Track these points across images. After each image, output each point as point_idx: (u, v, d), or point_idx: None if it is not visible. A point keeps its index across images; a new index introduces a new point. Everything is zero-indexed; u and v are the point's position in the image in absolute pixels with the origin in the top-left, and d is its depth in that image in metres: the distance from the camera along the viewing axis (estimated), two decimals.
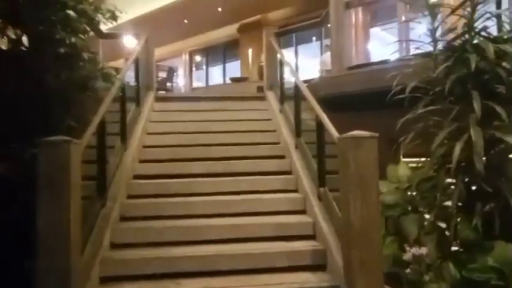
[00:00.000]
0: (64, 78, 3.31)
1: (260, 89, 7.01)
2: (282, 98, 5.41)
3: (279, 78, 5.47)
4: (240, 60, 12.86)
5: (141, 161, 4.52)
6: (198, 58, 15.20)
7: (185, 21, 12.19)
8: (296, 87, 4.53)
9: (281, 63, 5.45)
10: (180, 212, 3.68)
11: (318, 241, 3.37)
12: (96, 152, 3.41)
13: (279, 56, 5.65)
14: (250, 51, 11.93)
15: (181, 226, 3.43)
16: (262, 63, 10.72)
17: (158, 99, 6.10)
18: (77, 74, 3.50)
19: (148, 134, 5.08)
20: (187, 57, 15.04)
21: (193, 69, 15.19)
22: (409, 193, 3.66)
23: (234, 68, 13.34)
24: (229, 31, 12.87)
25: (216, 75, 14.54)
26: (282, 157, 4.66)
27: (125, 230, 3.38)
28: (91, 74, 3.70)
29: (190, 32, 13.29)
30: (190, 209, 3.70)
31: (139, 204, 3.75)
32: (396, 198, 3.53)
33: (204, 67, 14.84)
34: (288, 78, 5.69)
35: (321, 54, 9.73)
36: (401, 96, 3.49)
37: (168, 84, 8.80)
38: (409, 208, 3.49)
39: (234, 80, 10.47)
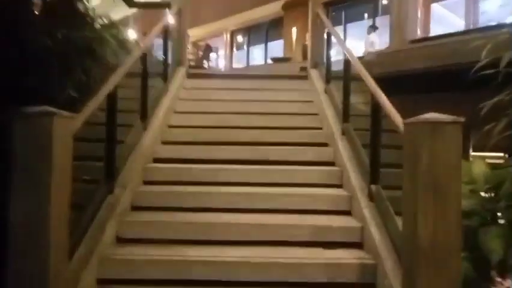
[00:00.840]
0: (61, 38, 2.77)
1: (303, 69, 6.27)
2: (328, 77, 4.66)
3: (325, 54, 4.70)
4: (283, 41, 12.07)
5: (164, 143, 4.01)
6: (239, 38, 14.57)
7: None
8: (346, 63, 3.77)
9: (329, 37, 4.68)
10: (201, 203, 3.12)
11: (367, 252, 2.68)
12: (105, 129, 2.89)
13: (326, 28, 4.87)
14: (294, 30, 11.10)
15: (200, 222, 2.86)
16: (307, 43, 9.98)
17: (191, 75, 5.55)
18: (79, 33, 2.94)
19: (176, 112, 4.57)
20: (228, 37, 14.45)
21: (234, 49, 14.59)
22: (488, 197, 2.86)
23: (277, 49, 12.56)
24: (273, 8, 12.08)
25: (258, 56, 13.85)
26: (324, 145, 3.96)
27: (133, 223, 2.87)
28: (99, 36, 3.14)
29: (232, 9, 12.65)
30: (213, 201, 3.13)
31: (155, 192, 3.22)
32: (473, 204, 2.74)
33: (245, 47, 14.18)
34: (336, 56, 4.94)
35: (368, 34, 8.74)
36: (485, 72, 2.67)
37: (205, 62, 8.27)
38: (489, 218, 2.71)
39: (276, 60, 9.74)
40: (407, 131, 2.13)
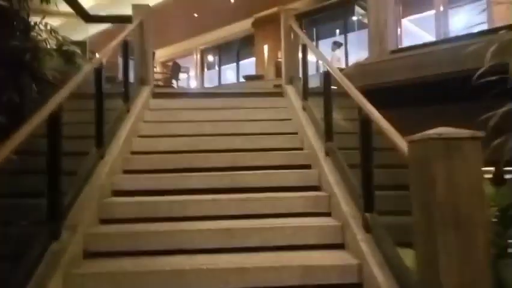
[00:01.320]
0: None
1: (278, 86, 5.95)
2: (306, 93, 4.33)
3: (301, 69, 4.38)
4: (255, 59, 11.83)
5: (125, 172, 3.50)
6: (210, 57, 14.26)
7: (195, 14, 11.24)
8: (326, 75, 3.44)
9: (304, 49, 4.37)
10: (168, 245, 2.62)
11: None
12: (46, 159, 2.38)
13: (301, 40, 4.57)
14: (266, 47, 10.89)
15: (167, 270, 2.36)
16: (279, 59, 9.73)
17: (157, 95, 5.08)
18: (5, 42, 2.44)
19: (140, 136, 4.08)
20: (199, 56, 14.11)
21: (205, 69, 14.24)
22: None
23: (249, 68, 12.31)
24: (242, 26, 11.88)
25: (229, 75, 13.55)
26: (307, 167, 3.58)
27: (85, 277, 2.33)
28: (35, 46, 2.65)
29: (201, 28, 12.36)
30: (183, 241, 2.64)
31: (113, 233, 2.69)
32: None
33: (217, 67, 13.86)
34: (312, 70, 4.62)
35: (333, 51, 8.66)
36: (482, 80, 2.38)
37: (173, 82, 7.83)
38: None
39: (248, 78, 9.43)
40: (413, 150, 1.76)
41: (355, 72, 4.26)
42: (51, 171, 2.38)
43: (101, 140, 3.26)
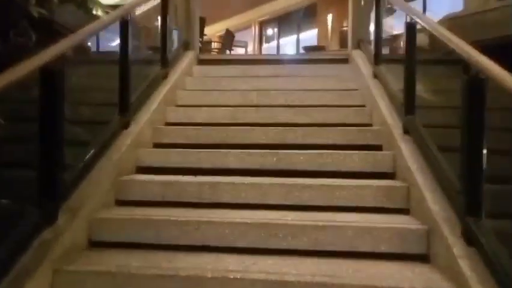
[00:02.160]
0: None
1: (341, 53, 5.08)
2: (378, 57, 3.46)
3: (373, 27, 3.49)
4: (317, 30, 10.82)
5: (155, 145, 2.99)
6: (268, 30, 13.45)
7: None
8: (410, 29, 2.57)
9: (378, 2, 3.46)
10: (188, 239, 2.04)
11: None
12: (39, 127, 1.88)
13: None
14: (329, 17, 9.84)
15: (179, 276, 1.77)
16: (345, 28, 8.71)
17: (202, 61, 4.51)
18: None
19: (177, 106, 3.55)
20: (257, 29, 13.37)
21: (263, 43, 13.49)
22: None
23: (310, 40, 11.34)
24: None
25: (289, 49, 12.67)
26: (377, 148, 2.79)
27: (76, 276, 1.81)
28: None
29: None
30: (207, 236, 2.04)
31: (124, 220, 2.16)
32: None
33: (275, 40, 13.04)
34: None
35: None
36: None
37: (227, 52, 7.25)
38: None
39: (309, 49, 8.55)
40: None
41: (447, 28, 3.29)
42: (45, 138, 1.88)
43: (125, 106, 2.74)
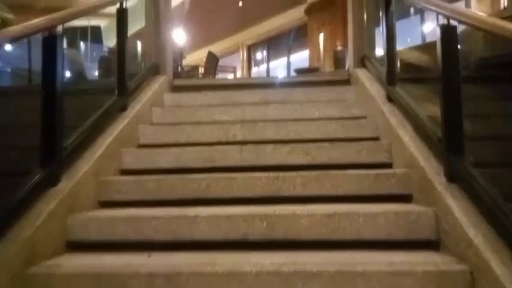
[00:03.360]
0: None
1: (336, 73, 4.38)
2: (393, 76, 2.72)
3: (384, 39, 2.76)
4: (308, 52, 10.25)
5: (103, 205, 2.19)
6: (257, 54, 12.90)
7: (240, 3, 9.92)
8: (446, 32, 1.83)
9: (388, 4, 2.74)
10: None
11: None
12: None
13: None
14: (321, 36, 9.27)
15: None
16: (339, 48, 8.10)
17: (176, 88, 3.76)
18: None
19: (139, 146, 2.77)
20: (245, 53, 12.81)
21: (253, 67, 12.90)
22: None
23: (301, 62, 10.77)
24: (293, 15, 10.38)
25: (280, 72, 12.10)
26: (404, 199, 2.01)
27: None
28: None
29: (247, 20, 11.05)
30: None
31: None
32: None
33: (265, 64, 12.46)
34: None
35: None
36: None
37: (210, 77, 6.55)
38: None
39: (300, 72, 7.89)
40: None
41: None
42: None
43: (50, 154, 1.94)
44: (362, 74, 3.34)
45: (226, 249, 1.79)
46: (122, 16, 2.85)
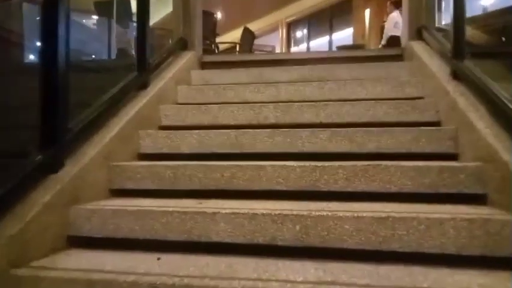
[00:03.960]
0: None
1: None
2: (461, 49, 2.20)
3: (452, 3, 2.24)
4: (352, 29, 9.56)
5: (114, 193, 1.93)
6: (297, 32, 12.30)
7: None
8: None
9: None
10: None
11: None
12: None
13: None
14: (367, 12, 8.57)
15: None
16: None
17: (206, 64, 3.45)
18: None
19: (159, 128, 2.50)
20: (285, 31, 12.24)
21: (292, 45, 12.33)
22: None
23: (343, 40, 10.11)
24: None
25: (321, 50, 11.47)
26: (478, 199, 1.59)
27: None
28: None
29: None
30: None
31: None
32: None
33: (305, 43, 11.85)
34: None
35: None
36: None
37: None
38: None
39: (343, 49, 7.32)
40: None
41: None
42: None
43: (53, 134, 1.68)
44: (418, 47, 2.84)
45: (249, 254, 1.46)
46: None
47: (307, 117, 2.33)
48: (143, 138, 2.27)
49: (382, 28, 6.91)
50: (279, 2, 10.95)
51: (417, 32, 3.00)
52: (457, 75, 2.19)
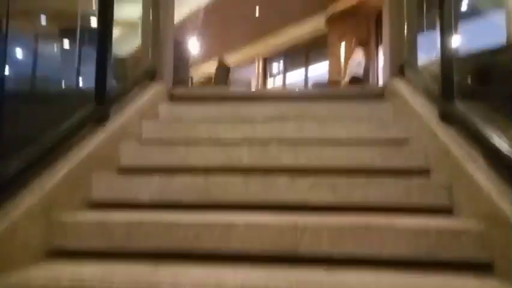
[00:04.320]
0: None
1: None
2: (450, 88, 2.04)
3: (439, 38, 2.09)
4: (328, 62, 9.64)
5: (51, 254, 1.59)
6: (273, 65, 12.35)
7: (257, 13, 9.42)
8: None
9: None
10: None
11: None
12: None
13: None
14: (343, 45, 8.66)
15: None
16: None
17: (175, 97, 3.19)
18: None
19: (119, 170, 2.19)
20: (261, 64, 12.26)
21: (268, 78, 12.33)
22: None
23: (320, 76, 10.17)
24: (313, 25, 9.83)
25: (297, 84, 11.50)
26: (483, 268, 1.35)
27: None
28: None
29: (264, 30, 10.54)
30: None
31: None
32: None
33: (281, 76, 11.88)
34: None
35: None
36: None
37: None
38: None
39: (319, 86, 7.27)
40: None
41: None
42: None
43: None
44: (401, 85, 2.70)
45: None
46: None
47: (286, 160, 2.09)
48: (96, 183, 1.96)
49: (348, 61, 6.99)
50: (255, 36, 10.99)
51: (400, 69, 2.87)
52: (445, 117, 2.02)
